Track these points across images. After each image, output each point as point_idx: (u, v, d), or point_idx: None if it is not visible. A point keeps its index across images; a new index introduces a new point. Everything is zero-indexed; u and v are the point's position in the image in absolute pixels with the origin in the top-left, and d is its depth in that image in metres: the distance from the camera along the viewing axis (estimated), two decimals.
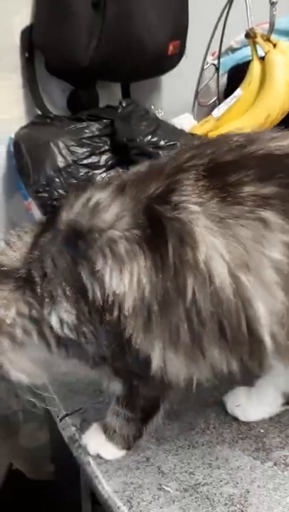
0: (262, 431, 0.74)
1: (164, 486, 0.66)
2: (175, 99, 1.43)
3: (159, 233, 0.52)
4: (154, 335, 0.54)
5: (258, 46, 1.12)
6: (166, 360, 0.56)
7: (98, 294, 0.55)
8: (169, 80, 1.42)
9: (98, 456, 0.70)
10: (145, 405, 0.67)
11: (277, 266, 0.50)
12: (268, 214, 0.50)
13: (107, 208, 0.55)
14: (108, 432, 0.70)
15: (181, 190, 0.52)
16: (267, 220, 0.50)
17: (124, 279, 0.53)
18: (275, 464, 0.69)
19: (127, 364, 0.60)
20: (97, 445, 0.70)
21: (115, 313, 0.55)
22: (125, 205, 0.55)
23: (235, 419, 0.75)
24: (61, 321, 0.57)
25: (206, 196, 0.51)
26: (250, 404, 0.73)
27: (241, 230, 0.50)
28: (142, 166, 0.60)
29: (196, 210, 0.51)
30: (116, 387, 0.66)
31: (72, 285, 0.56)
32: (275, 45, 1.10)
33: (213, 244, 0.50)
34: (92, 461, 0.70)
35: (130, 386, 0.65)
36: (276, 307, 0.51)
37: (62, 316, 0.57)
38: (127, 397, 0.66)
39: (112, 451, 0.70)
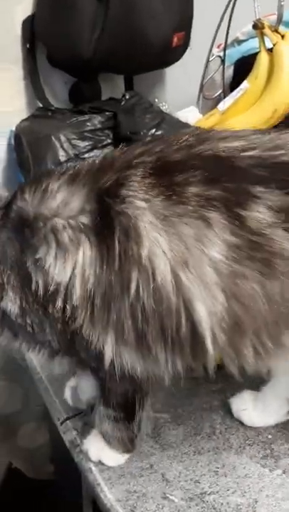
0: (270, 437, 0.71)
1: (168, 495, 0.64)
2: (179, 92, 1.40)
3: (106, 225, 0.52)
4: (103, 327, 0.54)
5: (265, 38, 1.08)
6: (119, 353, 0.55)
7: (41, 282, 0.54)
8: (173, 73, 1.40)
9: (100, 463, 0.68)
10: (121, 401, 0.65)
11: (217, 266, 0.50)
12: (211, 214, 0.50)
13: (54, 196, 0.55)
14: (105, 436, 0.68)
15: (129, 186, 0.52)
16: (210, 219, 0.50)
17: (67, 268, 0.53)
18: (284, 472, 0.66)
19: (80, 356, 0.60)
20: (97, 451, 0.68)
21: (58, 303, 0.54)
22: (75, 194, 0.54)
23: (242, 423, 0.73)
24: (10, 310, 0.57)
25: (152, 193, 0.51)
26: (256, 410, 0.72)
27: (184, 228, 0.50)
28: (97, 158, 0.60)
29: (142, 206, 0.51)
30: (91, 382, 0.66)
31: (18, 274, 0.56)
32: (283, 37, 1.06)
33: (157, 240, 0.50)
34: (93, 468, 0.68)
35: (100, 381, 0.64)
36: (216, 309, 0.51)
37: (8, 305, 0.57)
38: (102, 393, 0.65)
39: (113, 457, 0.68)
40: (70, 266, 0.53)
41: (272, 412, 0.72)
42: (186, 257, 0.50)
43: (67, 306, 0.54)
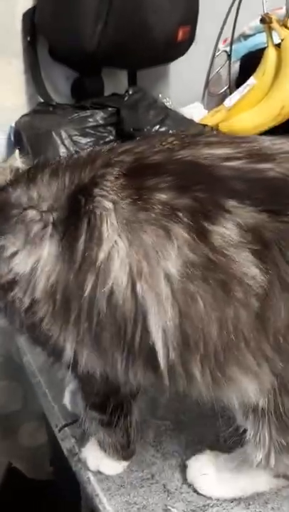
0: None
1: (170, 507, 0.61)
2: (184, 88, 1.38)
3: (74, 223, 0.50)
4: (64, 324, 0.52)
5: (273, 32, 1.05)
6: (78, 352, 0.53)
7: (3, 269, 0.53)
8: (177, 68, 1.37)
9: (99, 472, 0.65)
10: (98, 402, 0.62)
11: (171, 281, 0.47)
12: (173, 225, 0.47)
13: (36, 186, 0.54)
14: (100, 443, 0.66)
15: (102, 185, 0.50)
16: (171, 231, 0.47)
17: (30, 261, 0.52)
18: None
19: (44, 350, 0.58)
20: (95, 459, 0.66)
21: (18, 293, 0.53)
22: (52, 188, 0.53)
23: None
24: None
25: (121, 195, 0.49)
26: (218, 478, 0.62)
27: (144, 236, 0.47)
28: (84, 152, 0.58)
29: (109, 207, 0.49)
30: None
31: None
32: None
33: (117, 244, 0.48)
34: (92, 478, 0.65)
35: (77, 378, 0.61)
36: (168, 324, 0.48)
37: None
38: (81, 392, 0.64)
39: (110, 465, 0.66)
40: (34, 259, 0.51)
41: (244, 482, 0.62)
42: (142, 266, 0.47)
43: (26, 299, 0.52)
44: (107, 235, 0.48)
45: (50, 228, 0.51)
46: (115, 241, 0.48)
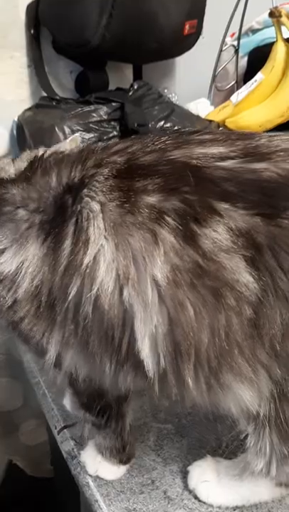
0: None
1: None
2: (190, 83, 1.36)
3: (60, 225, 0.49)
4: (48, 326, 0.51)
5: (282, 27, 1.03)
6: (63, 353, 0.52)
7: None
8: (184, 62, 1.35)
9: (98, 477, 0.64)
10: (87, 402, 0.61)
11: (159, 287, 0.45)
12: (161, 229, 0.45)
13: (32, 185, 0.52)
14: (98, 447, 0.65)
15: (91, 185, 0.48)
16: (158, 235, 0.45)
17: (15, 261, 0.50)
18: None
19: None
20: (94, 463, 0.64)
21: (1, 291, 0.52)
22: (42, 187, 0.51)
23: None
24: None
25: (110, 197, 0.47)
26: (220, 485, 0.61)
27: (131, 240, 0.45)
28: (76, 149, 0.57)
29: (96, 209, 0.47)
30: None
31: None
32: None
33: (103, 248, 0.46)
34: (91, 483, 0.64)
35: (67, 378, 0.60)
36: (156, 331, 0.46)
37: None
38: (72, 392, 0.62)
39: (109, 470, 0.65)
40: (19, 259, 0.50)
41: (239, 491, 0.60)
42: (129, 271, 0.45)
43: (9, 298, 0.51)
44: (94, 238, 0.46)
45: (35, 229, 0.50)
46: (101, 244, 0.46)
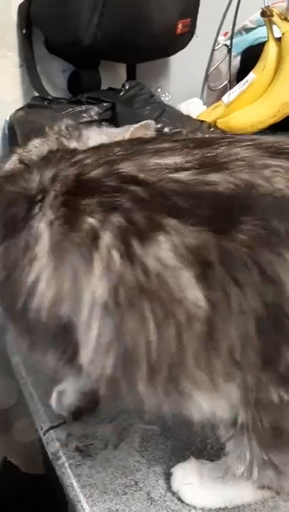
0: None
1: None
2: (184, 83, 1.35)
3: (14, 235, 0.49)
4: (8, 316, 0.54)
5: (274, 26, 1.02)
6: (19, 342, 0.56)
7: None
8: (178, 62, 1.34)
9: (82, 478, 0.64)
10: None
11: (96, 302, 0.45)
12: (97, 249, 0.45)
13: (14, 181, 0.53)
14: None
15: (45, 201, 0.49)
16: (95, 254, 0.45)
17: None
18: (278, 494, 0.62)
19: None
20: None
21: None
22: (4, 194, 0.52)
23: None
24: None
25: (57, 215, 0.47)
26: (203, 487, 0.61)
27: (70, 260, 0.46)
28: (42, 152, 0.57)
29: (43, 227, 0.48)
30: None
31: None
32: None
33: (46, 266, 0.47)
34: (75, 484, 0.64)
35: None
36: (94, 342, 0.47)
37: None
38: None
39: None
40: None
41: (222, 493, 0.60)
42: (65, 289, 0.46)
43: None
44: (40, 256, 0.47)
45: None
46: (44, 263, 0.47)
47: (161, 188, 0.44)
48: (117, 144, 0.53)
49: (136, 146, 0.51)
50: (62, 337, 0.48)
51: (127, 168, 0.46)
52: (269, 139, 0.47)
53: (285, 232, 0.41)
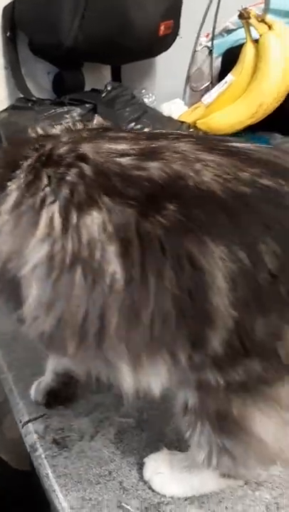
0: None
1: (123, 504, 0.62)
2: (169, 83, 1.37)
3: None
4: None
5: (252, 28, 1.04)
6: None
7: None
8: (162, 63, 1.36)
9: (57, 469, 0.66)
10: None
11: (38, 264, 0.49)
12: (44, 215, 0.48)
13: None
14: None
15: (23, 166, 0.52)
16: (41, 219, 0.49)
17: None
18: (246, 483, 0.64)
19: None
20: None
21: None
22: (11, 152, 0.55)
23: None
24: None
25: (24, 179, 0.51)
26: (172, 477, 0.63)
27: (22, 221, 0.50)
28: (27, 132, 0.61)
29: (13, 188, 0.51)
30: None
31: None
32: (270, 27, 1.03)
33: (6, 222, 0.51)
34: (50, 474, 0.66)
35: None
36: (35, 298, 0.50)
37: None
38: None
39: None
40: None
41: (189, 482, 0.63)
42: (13, 247, 0.50)
43: None
44: (3, 212, 0.50)
45: None
46: (6, 220, 0.50)
47: (105, 169, 0.48)
48: (88, 129, 0.57)
49: (100, 132, 0.55)
50: (13, 291, 0.51)
51: (85, 148, 0.50)
52: (211, 137, 0.50)
53: (204, 221, 0.44)
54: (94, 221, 0.46)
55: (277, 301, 0.44)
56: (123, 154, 0.48)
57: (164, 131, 0.61)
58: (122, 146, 0.50)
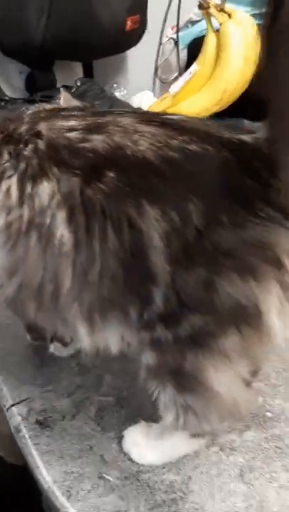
0: None
1: (104, 475, 0.65)
2: (140, 77, 1.40)
3: None
4: None
5: (212, 18, 1.07)
6: None
7: None
8: (133, 57, 1.39)
9: (41, 447, 0.70)
10: None
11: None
12: (4, 183, 0.53)
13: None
14: None
15: None
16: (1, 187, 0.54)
17: None
18: (221, 449, 0.67)
19: None
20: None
21: None
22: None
23: None
24: None
25: None
26: (148, 446, 0.67)
27: None
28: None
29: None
30: None
31: None
32: (230, 16, 1.06)
33: None
34: (34, 452, 0.69)
35: None
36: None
37: None
38: None
39: None
40: None
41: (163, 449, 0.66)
42: None
43: None
44: None
45: None
46: None
47: (55, 143, 0.52)
48: (47, 110, 0.61)
49: (56, 112, 0.59)
50: None
51: (41, 126, 0.54)
52: (151, 112, 0.55)
53: (140, 186, 0.48)
54: (45, 190, 0.51)
55: (203, 254, 0.48)
56: (71, 129, 0.53)
57: (112, 109, 0.65)
58: (71, 123, 0.54)
